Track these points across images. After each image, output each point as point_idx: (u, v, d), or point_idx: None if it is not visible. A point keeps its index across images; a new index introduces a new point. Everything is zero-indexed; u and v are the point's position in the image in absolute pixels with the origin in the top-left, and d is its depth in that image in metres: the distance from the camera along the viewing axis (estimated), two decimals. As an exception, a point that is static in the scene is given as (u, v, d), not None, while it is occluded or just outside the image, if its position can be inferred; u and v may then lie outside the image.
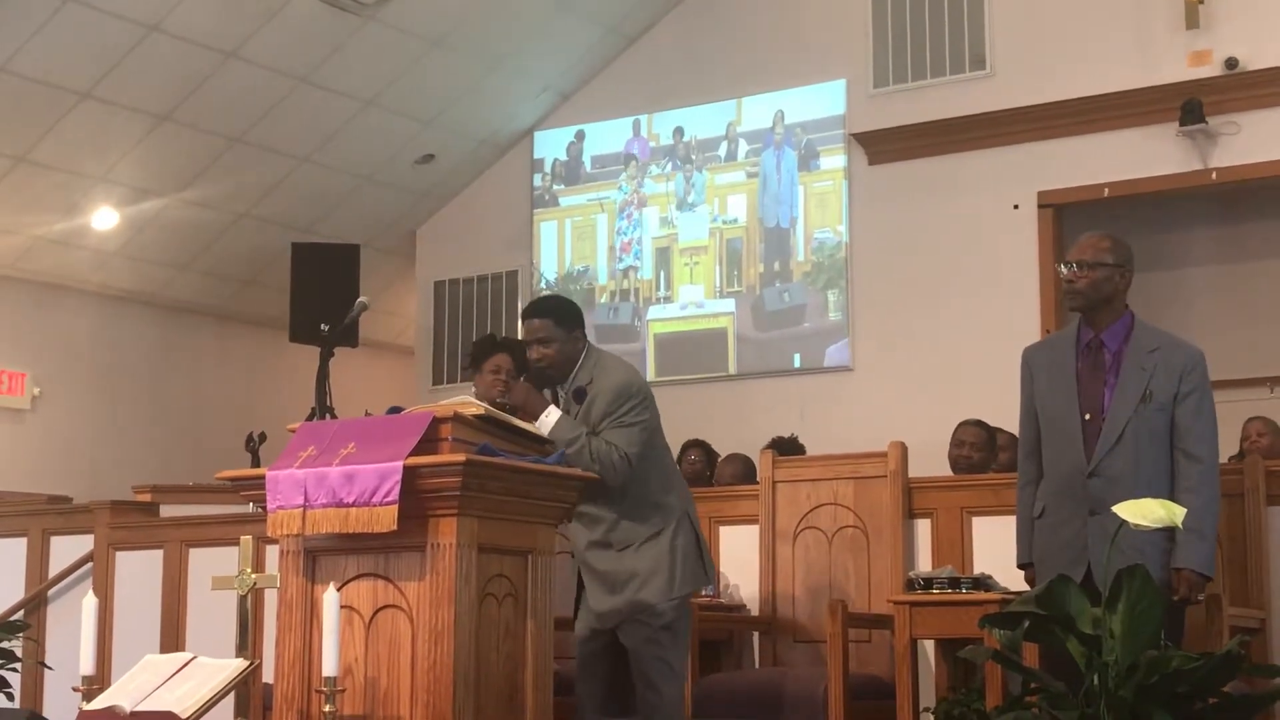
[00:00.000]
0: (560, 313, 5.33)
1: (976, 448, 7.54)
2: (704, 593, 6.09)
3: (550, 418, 5.12)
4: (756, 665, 6.61)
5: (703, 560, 5.31)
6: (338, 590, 4.14)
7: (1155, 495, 4.12)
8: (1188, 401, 4.87)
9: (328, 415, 7.33)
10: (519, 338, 5.39)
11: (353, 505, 4.13)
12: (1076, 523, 4.86)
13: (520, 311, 5.52)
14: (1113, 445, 4.85)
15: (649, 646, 5.13)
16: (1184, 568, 4.75)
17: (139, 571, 7.50)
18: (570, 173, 11.64)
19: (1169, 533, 4.53)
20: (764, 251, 10.80)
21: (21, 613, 7.73)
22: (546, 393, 5.31)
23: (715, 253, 10.99)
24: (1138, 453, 4.82)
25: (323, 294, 10.27)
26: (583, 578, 5.33)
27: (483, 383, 5.92)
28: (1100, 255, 4.97)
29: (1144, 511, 3.74)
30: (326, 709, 4.04)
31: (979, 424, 7.66)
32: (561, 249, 11.62)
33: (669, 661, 5.17)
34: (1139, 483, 4.72)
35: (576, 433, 5.11)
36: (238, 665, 4.38)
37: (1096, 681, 3.69)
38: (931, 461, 7.38)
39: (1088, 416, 4.91)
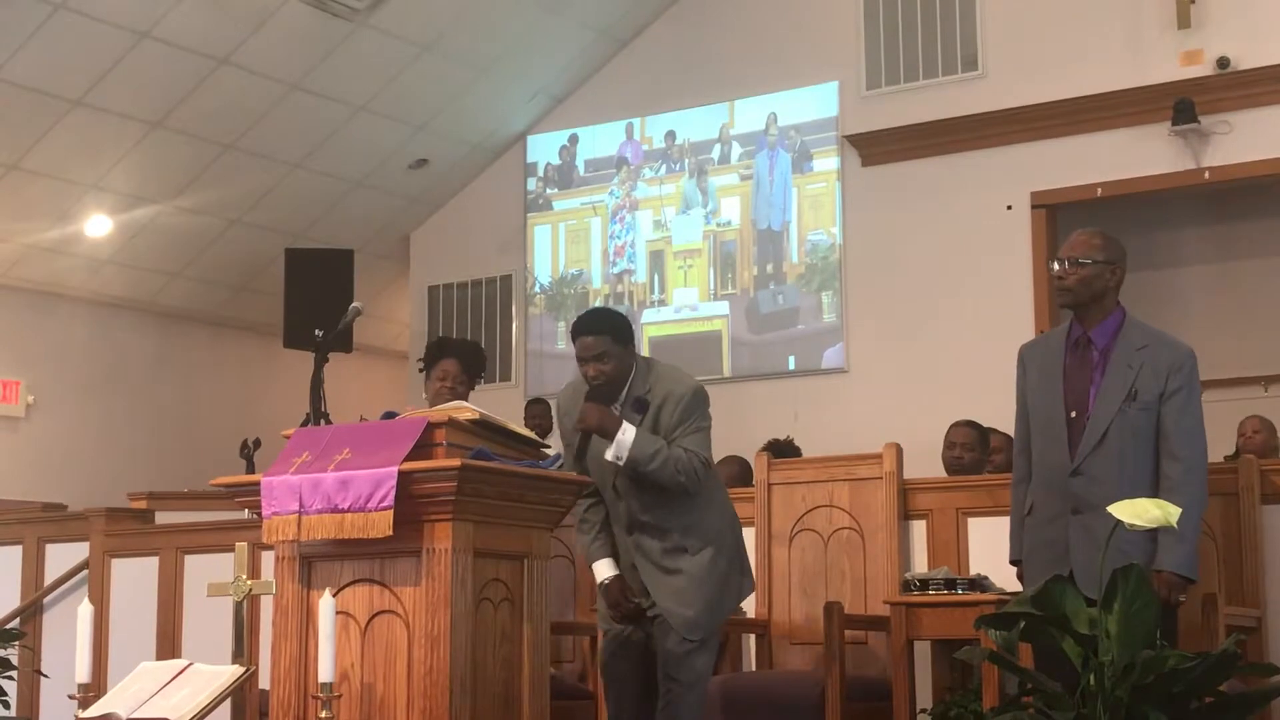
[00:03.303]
0: (615, 329, 5.22)
1: (967, 448, 7.54)
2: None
3: (627, 435, 5.05)
4: (753, 668, 6.61)
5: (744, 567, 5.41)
6: (333, 596, 4.14)
7: (1138, 495, 4.11)
8: (1173, 400, 4.84)
9: (322, 421, 7.32)
10: (579, 354, 5.22)
11: (348, 511, 4.13)
12: (1060, 521, 4.85)
13: (571, 327, 5.39)
14: (1096, 444, 4.83)
15: (691, 650, 5.14)
16: (1164, 569, 4.74)
17: (134, 578, 7.50)
18: (563, 176, 11.64)
19: (1153, 533, 4.53)
20: (757, 254, 10.81)
21: (17, 621, 7.72)
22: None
23: (709, 255, 11.00)
24: (1121, 452, 4.81)
25: (317, 299, 10.26)
26: (653, 586, 5.18)
27: (431, 389, 5.88)
28: (1090, 252, 4.95)
29: (1138, 511, 3.74)
30: (323, 715, 4.03)
31: (970, 424, 7.66)
32: (555, 253, 11.63)
33: (704, 658, 5.19)
34: (1122, 482, 4.71)
35: (657, 446, 5.07)
36: (234, 672, 4.37)
37: (1093, 681, 3.69)
38: (926, 463, 7.38)
39: (1073, 414, 4.89)
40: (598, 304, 11.28)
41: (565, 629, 6.30)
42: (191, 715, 4.21)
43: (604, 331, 5.20)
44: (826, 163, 10.61)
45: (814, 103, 10.66)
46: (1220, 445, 7.15)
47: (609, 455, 5.06)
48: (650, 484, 5.13)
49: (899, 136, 10.25)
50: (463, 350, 5.98)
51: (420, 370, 6.03)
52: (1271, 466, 5.98)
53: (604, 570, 5.29)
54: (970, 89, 10.07)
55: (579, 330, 5.23)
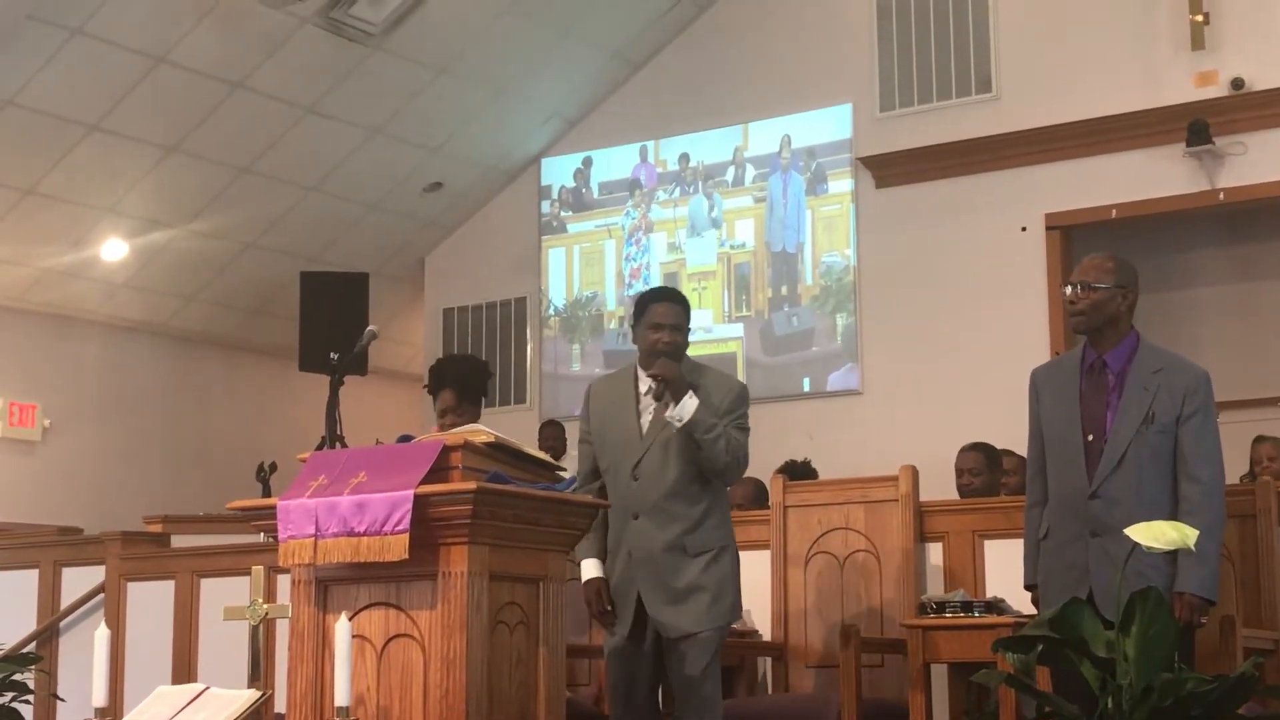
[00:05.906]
0: (688, 308, 5.36)
1: (976, 473, 7.51)
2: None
3: (692, 400, 5.12)
4: (769, 691, 6.60)
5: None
6: (349, 620, 4.13)
7: (1156, 517, 4.10)
8: (1190, 423, 4.84)
9: (338, 444, 7.32)
10: (658, 319, 5.26)
11: (364, 534, 4.13)
12: (1079, 544, 4.84)
13: (644, 295, 5.47)
14: (1114, 467, 4.82)
15: (708, 665, 5.13)
16: (1184, 591, 4.73)
17: (150, 602, 7.50)
18: (577, 199, 11.66)
19: (1172, 555, 4.52)
20: (772, 276, 10.81)
21: (33, 645, 7.73)
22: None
23: (723, 277, 11.00)
24: (1139, 475, 4.80)
25: (332, 323, 10.27)
26: (643, 582, 5.19)
27: (438, 422, 5.75)
28: (1101, 276, 4.95)
29: (1156, 534, 3.74)
30: (339, 739, 4.03)
31: (977, 448, 7.63)
32: (570, 275, 11.64)
33: (717, 679, 5.19)
34: (1140, 505, 4.70)
35: (715, 419, 5.14)
36: (250, 696, 4.37)
37: (1110, 705, 3.68)
38: (942, 485, 7.37)
39: (1090, 438, 4.89)
40: (611, 326, 11.29)
41: (581, 652, 6.29)
42: (208, 739, 4.21)
43: (681, 303, 5.35)
44: (840, 185, 10.61)
45: (828, 125, 10.67)
46: (1236, 467, 7.13)
47: (670, 414, 5.11)
48: (680, 467, 5.16)
49: (913, 158, 10.25)
50: (458, 377, 5.77)
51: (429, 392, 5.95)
52: (1288, 489, 5.96)
53: (590, 570, 5.32)
54: (984, 111, 10.07)
55: (660, 297, 5.37)
